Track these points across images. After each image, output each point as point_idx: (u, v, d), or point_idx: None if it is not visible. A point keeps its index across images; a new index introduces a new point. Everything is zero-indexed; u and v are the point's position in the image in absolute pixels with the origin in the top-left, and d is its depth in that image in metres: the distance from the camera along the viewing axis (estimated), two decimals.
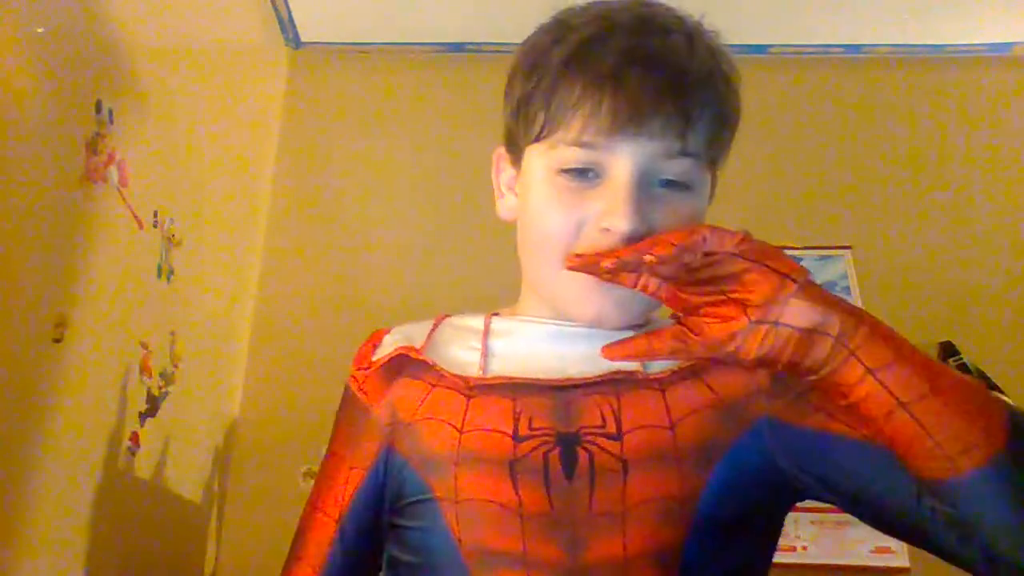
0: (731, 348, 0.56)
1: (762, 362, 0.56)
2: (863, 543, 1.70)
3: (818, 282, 0.58)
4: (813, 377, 0.57)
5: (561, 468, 0.64)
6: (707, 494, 0.63)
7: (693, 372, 0.67)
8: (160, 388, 1.48)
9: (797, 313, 0.55)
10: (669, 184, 0.64)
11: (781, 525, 0.71)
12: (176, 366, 1.55)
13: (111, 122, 1.27)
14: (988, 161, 2.11)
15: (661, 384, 0.66)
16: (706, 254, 0.56)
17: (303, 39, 2.25)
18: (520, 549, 0.62)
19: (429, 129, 2.19)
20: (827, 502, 0.66)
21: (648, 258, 0.57)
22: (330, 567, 0.72)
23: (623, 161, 0.63)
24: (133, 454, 1.39)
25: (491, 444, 0.65)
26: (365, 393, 0.75)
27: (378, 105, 2.23)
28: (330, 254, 2.07)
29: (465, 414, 0.67)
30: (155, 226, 1.44)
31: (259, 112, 2.08)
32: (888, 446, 0.56)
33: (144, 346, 1.42)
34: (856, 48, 2.21)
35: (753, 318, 0.55)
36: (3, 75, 1.03)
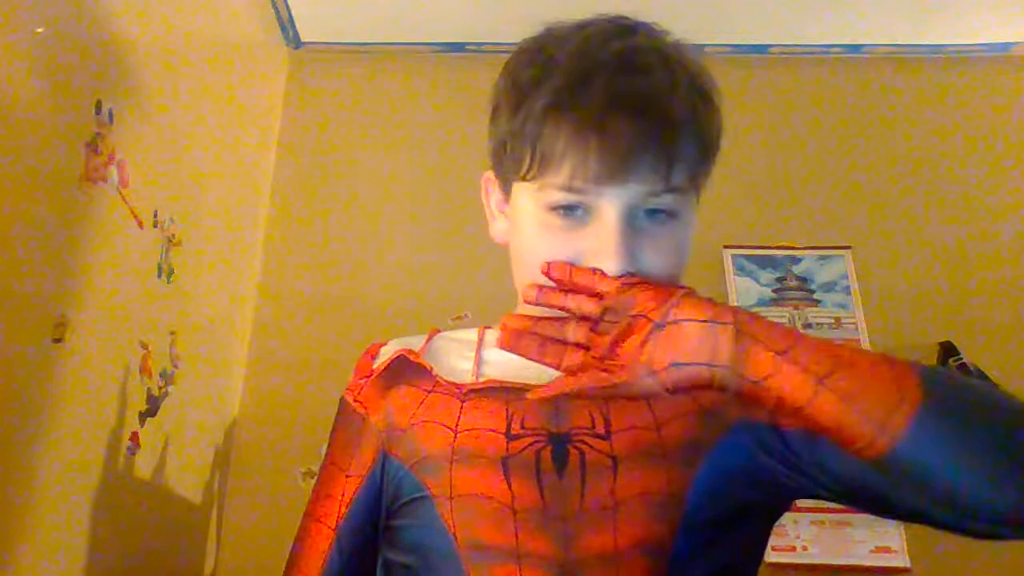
0: (644, 359, 0.59)
1: (679, 375, 0.58)
2: (863, 543, 1.70)
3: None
4: (732, 381, 0.58)
5: (553, 465, 0.66)
6: (694, 490, 0.65)
7: None
8: (160, 388, 1.48)
9: (691, 309, 0.59)
10: (654, 214, 0.67)
11: (771, 525, 0.73)
12: (176, 366, 1.55)
13: (111, 122, 1.27)
14: (988, 161, 2.11)
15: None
16: (598, 296, 0.62)
17: (303, 39, 2.25)
18: (513, 543, 0.64)
19: (429, 129, 2.19)
20: (815, 494, 0.68)
21: (545, 279, 0.64)
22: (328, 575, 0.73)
23: (610, 205, 0.65)
24: (133, 454, 1.39)
25: (484, 442, 0.67)
26: (361, 403, 0.77)
27: (378, 105, 2.23)
28: (330, 254, 2.07)
29: (459, 416, 0.69)
30: (155, 226, 1.45)
31: (259, 112, 2.08)
32: (826, 436, 0.58)
33: (144, 346, 1.42)
34: (856, 48, 2.22)
35: (655, 320, 0.59)
36: (3, 75, 1.03)
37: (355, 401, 0.77)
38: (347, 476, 0.74)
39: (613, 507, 0.64)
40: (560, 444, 0.66)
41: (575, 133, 0.64)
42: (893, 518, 0.65)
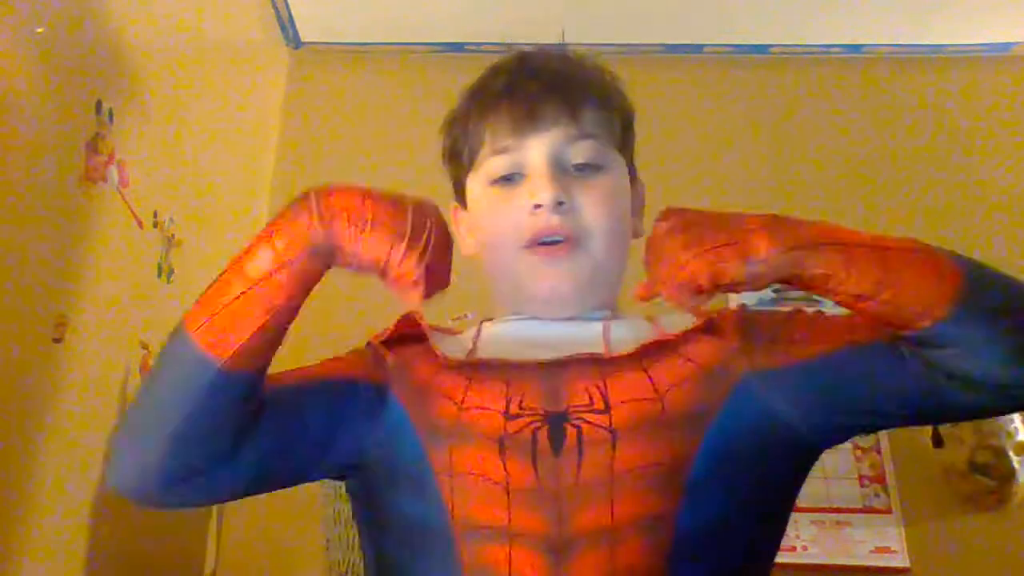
0: (719, 269, 0.60)
1: (757, 268, 0.60)
2: (863, 543, 1.70)
3: None
4: (806, 245, 0.60)
5: (549, 444, 0.65)
6: (700, 458, 0.64)
7: (670, 348, 0.70)
8: None
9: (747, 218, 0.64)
10: (582, 167, 0.75)
11: (788, 510, 0.72)
12: None
13: (111, 122, 1.27)
14: (988, 161, 2.11)
15: (642, 363, 0.68)
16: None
17: (303, 39, 2.25)
18: (506, 523, 0.63)
19: (429, 129, 2.17)
20: (839, 433, 0.69)
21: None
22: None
23: (533, 151, 0.75)
24: None
25: (484, 421, 0.67)
26: (384, 347, 0.79)
27: (378, 105, 2.23)
28: None
29: (466, 392, 0.70)
30: (155, 226, 1.45)
31: (259, 112, 2.08)
32: (873, 314, 0.61)
33: (144, 346, 1.42)
34: (856, 48, 2.21)
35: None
36: (3, 75, 1.03)
37: (378, 343, 0.79)
38: (338, 361, 0.79)
39: (609, 481, 0.63)
40: (557, 422, 0.66)
41: (489, 106, 0.78)
42: (926, 419, 0.70)
